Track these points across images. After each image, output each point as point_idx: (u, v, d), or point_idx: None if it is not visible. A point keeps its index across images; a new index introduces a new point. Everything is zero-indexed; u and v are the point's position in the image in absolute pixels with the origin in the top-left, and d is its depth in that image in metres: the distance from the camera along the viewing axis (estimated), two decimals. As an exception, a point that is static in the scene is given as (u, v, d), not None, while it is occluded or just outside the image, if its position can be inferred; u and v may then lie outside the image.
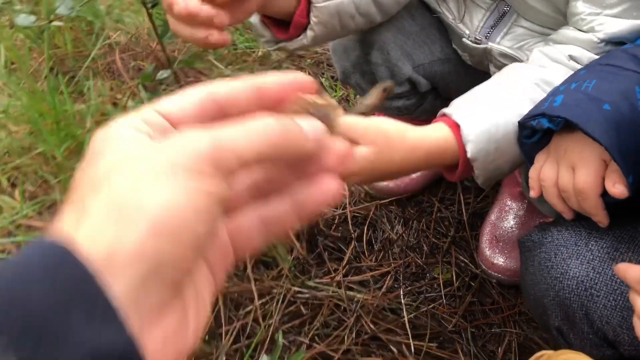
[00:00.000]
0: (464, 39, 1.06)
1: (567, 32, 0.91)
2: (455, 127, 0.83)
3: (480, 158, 0.83)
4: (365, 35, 1.11)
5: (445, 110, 0.86)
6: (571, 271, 0.84)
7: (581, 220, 0.86)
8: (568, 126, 0.79)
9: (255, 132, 0.31)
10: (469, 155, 0.82)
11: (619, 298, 0.81)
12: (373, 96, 0.81)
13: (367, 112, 0.77)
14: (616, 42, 0.87)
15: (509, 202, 1.34)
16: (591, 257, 0.83)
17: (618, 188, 0.75)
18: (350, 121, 0.76)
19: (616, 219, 0.82)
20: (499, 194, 1.37)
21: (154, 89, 1.36)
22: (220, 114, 0.35)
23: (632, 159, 0.74)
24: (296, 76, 0.38)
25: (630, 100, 0.77)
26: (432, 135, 0.83)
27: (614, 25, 0.86)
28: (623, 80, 0.78)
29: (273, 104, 0.36)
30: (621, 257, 0.83)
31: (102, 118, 1.39)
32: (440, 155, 0.83)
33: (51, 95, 1.39)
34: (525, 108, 0.84)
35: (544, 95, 0.85)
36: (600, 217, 0.80)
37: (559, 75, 0.87)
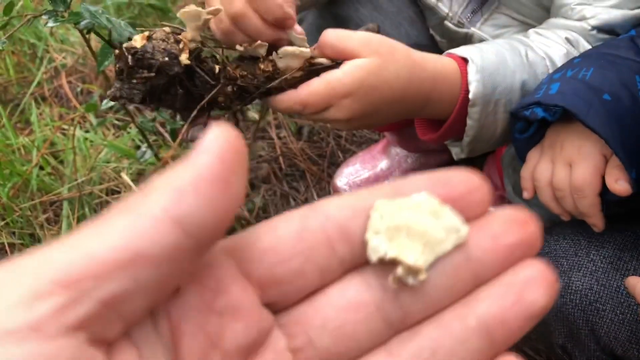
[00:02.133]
0: (446, 22, 0.99)
1: (557, 21, 0.86)
2: (462, 66, 0.75)
3: (479, 104, 0.75)
4: (340, 11, 1.04)
5: (449, 50, 0.78)
6: (574, 284, 0.77)
7: (579, 228, 0.80)
8: (564, 118, 0.73)
9: None
10: (470, 95, 0.74)
11: (627, 311, 0.75)
12: None
13: None
14: (608, 31, 0.82)
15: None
16: (594, 268, 0.77)
17: (621, 185, 0.69)
18: (345, 33, 0.67)
19: (616, 224, 0.77)
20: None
21: (104, 115, 1.26)
22: None
23: (634, 153, 0.68)
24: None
25: (631, 90, 0.71)
26: (439, 60, 0.74)
27: (606, 12, 0.81)
28: (622, 69, 0.73)
29: None
30: (625, 266, 0.77)
31: (49, 150, 1.28)
32: (444, 86, 0.74)
33: (-9, 128, 1.28)
34: (532, 75, 0.78)
35: (549, 70, 0.79)
36: (596, 219, 0.73)
37: (560, 54, 0.81)
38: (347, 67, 0.66)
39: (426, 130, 0.82)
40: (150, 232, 0.21)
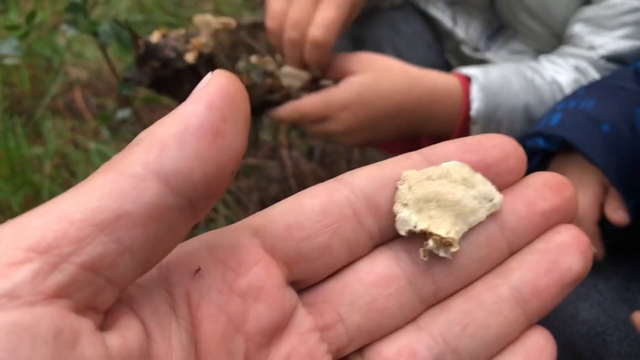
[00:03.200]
0: (463, 47, 1.00)
1: (567, 49, 0.87)
2: (466, 85, 0.77)
3: (480, 123, 0.77)
4: (357, 32, 1.06)
5: (456, 69, 0.81)
6: (580, 315, 0.77)
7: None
8: (566, 148, 0.73)
9: None
10: (472, 113, 0.76)
11: (634, 344, 0.74)
12: None
13: None
14: (617, 61, 0.82)
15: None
16: (601, 299, 0.77)
17: (619, 214, 0.69)
18: (343, 56, 0.73)
19: (625, 255, 0.76)
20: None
21: (117, 128, 1.27)
22: None
23: (632, 183, 0.69)
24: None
25: (631, 122, 0.71)
26: (439, 77, 0.77)
27: (615, 42, 0.82)
28: (623, 100, 0.73)
29: None
30: (633, 297, 0.76)
31: (61, 161, 1.29)
32: (446, 102, 0.75)
33: (5, 137, 1.29)
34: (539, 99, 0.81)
35: (555, 95, 0.81)
36: (596, 248, 0.73)
37: (569, 80, 0.83)
38: (342, 84, 0.72)
39: None
40: (131, 190, 0.19)
